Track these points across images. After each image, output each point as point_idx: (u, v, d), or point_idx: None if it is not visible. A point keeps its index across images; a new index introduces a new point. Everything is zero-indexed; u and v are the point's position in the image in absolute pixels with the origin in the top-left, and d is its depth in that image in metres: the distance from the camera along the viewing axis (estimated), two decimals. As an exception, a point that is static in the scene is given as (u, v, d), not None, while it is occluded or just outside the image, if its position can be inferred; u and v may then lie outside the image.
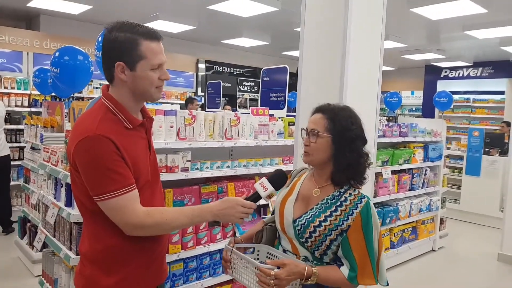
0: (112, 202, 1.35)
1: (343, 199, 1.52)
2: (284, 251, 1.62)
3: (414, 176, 4.82)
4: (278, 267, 1.41)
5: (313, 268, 1.45)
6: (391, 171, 4.38)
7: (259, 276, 1.41)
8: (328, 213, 1.51)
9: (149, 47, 1.42)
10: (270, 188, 1.55)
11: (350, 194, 1.53)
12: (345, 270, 1.48)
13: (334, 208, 1.51)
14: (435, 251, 5.30)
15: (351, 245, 1.47)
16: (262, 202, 1.55)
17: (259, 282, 1.41)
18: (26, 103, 6.15)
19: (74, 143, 1.37)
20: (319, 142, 1.54)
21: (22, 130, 5.81)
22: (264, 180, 1.58)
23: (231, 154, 3.26)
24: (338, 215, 1.49)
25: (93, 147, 1.34)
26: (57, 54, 4.04)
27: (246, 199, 1.54)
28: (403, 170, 4.71)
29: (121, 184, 1.36)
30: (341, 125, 1.52)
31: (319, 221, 1.50)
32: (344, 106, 1.61)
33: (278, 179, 1.60)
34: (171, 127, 2.63)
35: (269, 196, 1.57)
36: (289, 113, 4.20)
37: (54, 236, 2.79)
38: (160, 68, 1.46)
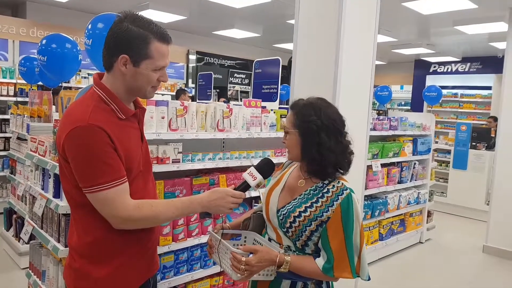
0: (102, 194, 1.32)
1: (325, 190, 1.51)
2: (270, 239, 1.63)
3: (403, 169, 4.88)
4: (252, 253, 1.43)
5: (285, 256, 1.46)
6: (381, 164, 4.42)
7: (232, 261, 1.43)
8: (309, 204, 1.51)
9: (159, 49, 1.40)
10: (259, 177, 1.55)
11: (333, 186, 1.52)
12: (320, 261, 1.48)
13: (315, 199, 1.51)
14: (422, 243, 5.39)
15: (329, 236, 1.47)
16: (254, 194, 1.55)
17: (232, 266, 1.43)
18: (12, 92, 6.02)
19: (65, 132, 1.33)
20: (289, 138, 1.56)
21: (7, 119, 5.70)
22: (252, 169, 1.57)
23: (223, 146, 3.24)
24: (319, 206, 1.49)
25: (85, 137, 1.31)
26: (44, 41, 3.95)
27: (235, 189, 1.54)
28: (393, 163, 4.76)
29: (112, 176, 1.33)
30: (302, 117, 1.52)
31: (299, 211, 1.51)
32: (314, 99, 1.58)
33: (266, 168, 1.59)
34: (163, 118, 2.60)
35: (258, 185, 1.57)
36: (281, 106, 4.19)
37: (42, 228, 2.75)
38: (161, 70, 1.45)
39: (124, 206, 1.35)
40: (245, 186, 1.56)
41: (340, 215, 1.46)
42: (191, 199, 1.50)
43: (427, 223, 5.45)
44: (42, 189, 2.83)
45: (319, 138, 1.49)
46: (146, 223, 1.44)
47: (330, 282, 1.62)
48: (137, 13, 1.43)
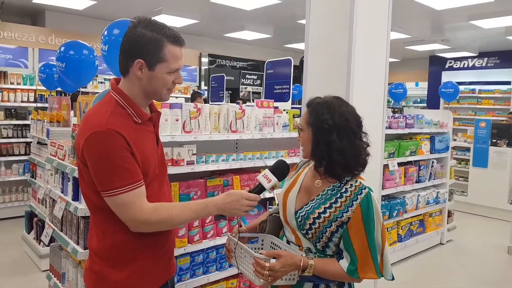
0: (119, 198, 1.35)
1: (343, 190, 1.49)
2: (288, 242, 1.61)
3: (421, 168, 4.78)
4: (275, 258, 1.42)
5: (309, 260, 1.44)
6: (398, 163, 4.35)
7: (255, 266, 1.42)
8: (328, 205, 1.49)
9: (172, 51, 1.42)
10: (274, 179, 1.55)
11: (351, 185, 1.50)
12: (344, 263, 1.46)
13: (334, 199, 1.49)
14: (443, 244, 5.26)
15: (351, 237, 1.45)
16: (268, 195, 1.54)
17: (254, 271, 1.42)
18: (32, 99, 6.17)
19: (84, 137, 1.36)
20: (303, 136, 1.56)
21: (28, 125, 5.84)
22: (267, 171, 1.57)
23: (236, 147, 3.26)
24: (338, 206, 1.47)
25: (103, 142, 1.33)
26: (62, 48, 4.04)
27: (250, 191, 1.54)
28: (410, 162, 4.67)
29: (129, 180, 1.35)
30: (316, 116, 1.51)
31: (318, 212, 1.49)
32: (330, 97, 1.56)
33: (281, 170, 1.59)
34: (177, 120, 2.63)
35: (273, 188, 1.57)
36: (293, 106, 4.18)
37: (62, 231, 2.80)
38: (176, 72, 1.47)
39: (141, 210, 1.37)
40: (260, 189, 1.56)
41: (360, 215, 1.44)
42: (206, 202, 1.51)
43: (447, 223, 5.32)
44: (62, 192, 2.89)
45: (329, 137, 1.47)
46: (162, 226, 1.46)
47: (352, 283, 1.61)
48: (150, 18, 1.45)
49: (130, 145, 1.36)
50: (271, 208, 1.88)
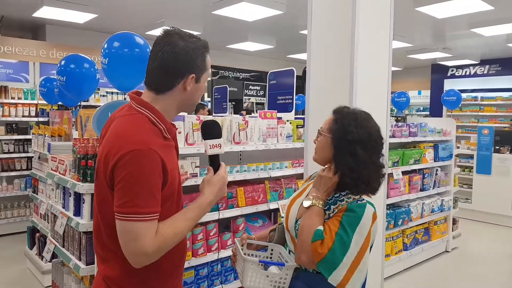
0: (135, 224, 1.21)
1: (341, 199, 1.50)
2: (290, 251, 1.62)
3: (425, 176, 4.76)
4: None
5: (319, 205, 1.48)
6: (402, 171, 4.32)
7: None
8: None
9: (209, 59, 1.41)
10: (215, 141, 1.46)
11: (350, 197, 1.49)
12: (320, 228, 1.41)
13: (328, 207, 1.50)
14: (448, 252, 5.22)
15: (328, 222, 1.43)
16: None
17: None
18: (33, 113, 6.17)
19: (118, 153, 1.22)
20: (320, 141, 1.57)
21: (30, 140, 5.83)
22: (206, 142, 1.47)
23: (240, 159, 3.23)
24: (330, 212, 1.49)
25: (145, 162, 1.21)
26: (63, 62, 4.04)
27: (214, 169, 1.46)
28: (414, 171, 4.66)
29: (153, 208, 1.24)
30: (342, 126, 1.50)
31: None
32: (357, 111, 1.57)
33: (211, 129, 1.49)
34: (179, 132, 2.61)
35: (220, 146, 1.48)
36: (297, 116, 4.16)
37: (64, 246, 2.77)
38: None
39: (151, 241, 1.24)
40: (216, 160, 1.47)
41: (343, 212, 1.43)
42: (199, 205, 1.38)
43: (452, 231, 5.28)
44: (63, 207, 2.86)
45: (354, 150, 1.46)
46: (168, 247, 1.31)
47: None
48: (178, 28, 1.40)
49: (166, 165, 1.26)
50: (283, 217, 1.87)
